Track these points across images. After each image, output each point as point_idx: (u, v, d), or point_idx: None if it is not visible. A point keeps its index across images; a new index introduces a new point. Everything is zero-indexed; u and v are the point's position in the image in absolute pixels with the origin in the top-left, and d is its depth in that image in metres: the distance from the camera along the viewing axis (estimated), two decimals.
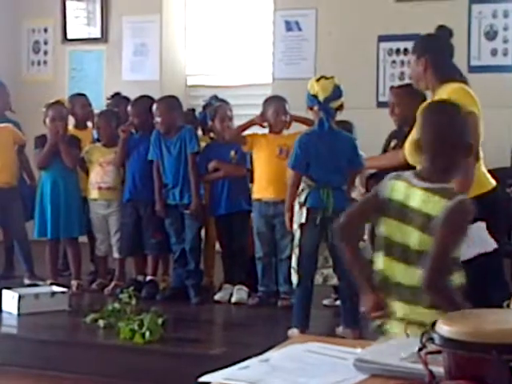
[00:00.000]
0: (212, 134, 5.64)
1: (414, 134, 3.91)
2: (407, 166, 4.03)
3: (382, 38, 7.20)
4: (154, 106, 5.35)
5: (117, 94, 6.27)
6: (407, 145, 3.91)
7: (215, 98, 5.91)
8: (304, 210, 4.25)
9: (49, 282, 5.47)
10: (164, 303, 5.06)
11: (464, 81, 3.80)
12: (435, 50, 3.75)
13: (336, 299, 4.96)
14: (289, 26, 7.57)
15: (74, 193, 5.56)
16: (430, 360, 1.51)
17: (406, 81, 7.09)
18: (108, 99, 6.28)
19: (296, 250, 4.31)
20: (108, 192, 5.61)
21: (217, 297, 5.24)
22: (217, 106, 5.57)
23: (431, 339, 1.45)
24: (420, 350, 1.47)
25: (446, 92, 3.60)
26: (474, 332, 1.41)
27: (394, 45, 7.16)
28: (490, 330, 1.41)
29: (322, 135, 4.33)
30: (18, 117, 6.61)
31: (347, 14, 7.31)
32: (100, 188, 5.62)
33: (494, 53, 6.78)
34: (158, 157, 5.35)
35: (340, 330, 4.33)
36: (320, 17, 7.44)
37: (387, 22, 7.15)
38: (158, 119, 5.30)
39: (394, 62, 7.23)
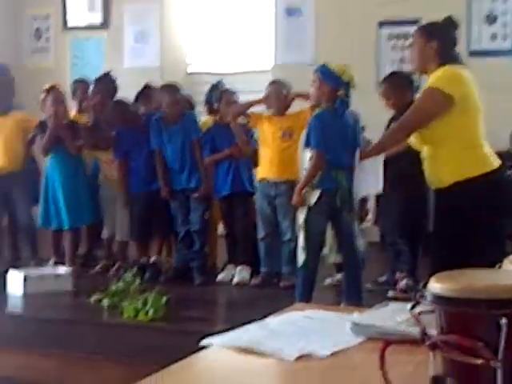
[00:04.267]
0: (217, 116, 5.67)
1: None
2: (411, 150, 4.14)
3: (383, 23, 7.23)
4: (160, 93, 5.41)
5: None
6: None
7: (221, 82, 5.96)
8: (317, 192, 4.27)
9: (53, 261, 5.53)
10: (167, 284, 5.13)
11: (460, 65, 3.87)
12: (445, 36, 3.88)
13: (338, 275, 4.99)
14: (290, 12, 7.60)
15: (79, 179, 5.61)
16: (426, 323, 1.56)
17: (407, 66, 7.15)
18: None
19: (303, 230, 4.31)
20: (115, 181, 5.68)
21: (219, 277, 5.30)
22: (223, 90, 5.62)
23: (423, 297, 1.50)
24: (413, 307, 1.52)
25: (435, 73, 3.74)
26: (463, 288, 1.46)
27: (395, 30, 7.20)
28: (480, 286, 1.46)
29: (337, 116, 4.37)
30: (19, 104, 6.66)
31: None
32: (107, 178, 5.73)
33: (493, 37, 6.81)
34: (160, 145, 5.40)
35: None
36: (320, 2, 7.47)
37: (388, 6, 7.17)
38: (164, 105, 5.35)
39: (394, 46, 7.27)
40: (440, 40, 3.85)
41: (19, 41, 8.53)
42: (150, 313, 4.11)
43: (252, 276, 5.26)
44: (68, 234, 5.60)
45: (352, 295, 4.33)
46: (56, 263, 5.48)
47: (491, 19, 6.82)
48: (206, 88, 7.95)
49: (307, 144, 4.37)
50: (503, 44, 6.78)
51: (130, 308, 4.19)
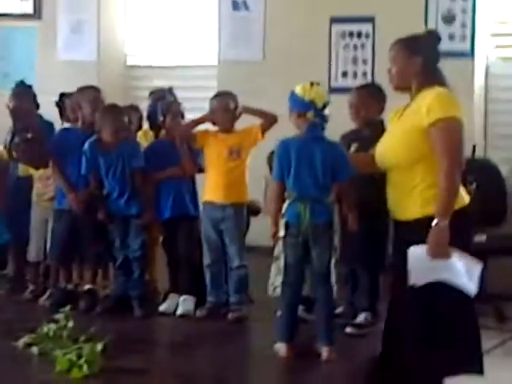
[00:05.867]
0: (163, 131, 5.17)
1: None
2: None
3: (335, 20, 6.84)
4: (99, 117, 4.84)
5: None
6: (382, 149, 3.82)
7: (169, 91, 5.51)
8: (283, 223, 4.02)
9: None
10: (104, 317, 4.68)
11: (447, 87, 3.65)
12: (429, 52, 3.66)
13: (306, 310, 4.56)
14: (236, 5, 7.15)
15: None
16: None
17: (360, 66, 6.82)
18: None
19: (278, 262, 4.16)
20: (48, 202, 5.19)
21: (162, 308, 4.85)
22: (170, 102, 5.17)
23: None
24: None
25: (431, 96, 3.52)
26: None
27: (348, 27, 6.81)
28: None
29: (308, 143, 3.96)
30: None
31: None
32: (40, 197, 5.26)
33: (451, 37, 6.49)
34: (94, 170, 4.88)
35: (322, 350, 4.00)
36: None
37: (340, 2, 6.80)
38: (105, 132, 4.81)
39: (346, 45, 6.87)
40: (425, 55, 3.62)
41: None
42: (85, 368, 3.64)
43: (197, 306, 4.83)
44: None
45: (326, 336, 3.97)
46: None
47: (449, 18, 6.49)
48: (146, 82, 7.55)
49: None
50: (461, 45, 6.46)
51: (63, 360, 3.71)
